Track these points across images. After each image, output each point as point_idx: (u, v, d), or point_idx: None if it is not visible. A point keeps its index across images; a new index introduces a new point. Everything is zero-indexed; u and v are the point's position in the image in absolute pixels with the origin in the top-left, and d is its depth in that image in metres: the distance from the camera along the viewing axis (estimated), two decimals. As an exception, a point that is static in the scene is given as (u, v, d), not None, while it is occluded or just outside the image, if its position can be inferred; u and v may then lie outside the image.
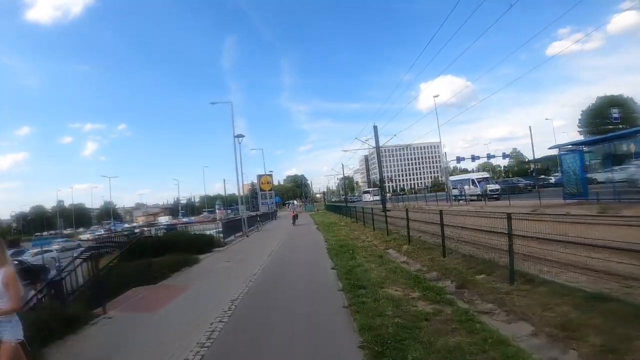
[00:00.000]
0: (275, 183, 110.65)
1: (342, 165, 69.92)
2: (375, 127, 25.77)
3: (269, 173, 50.72)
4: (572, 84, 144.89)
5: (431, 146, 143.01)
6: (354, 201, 72.97)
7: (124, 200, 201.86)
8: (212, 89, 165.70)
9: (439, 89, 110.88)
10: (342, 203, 53.37)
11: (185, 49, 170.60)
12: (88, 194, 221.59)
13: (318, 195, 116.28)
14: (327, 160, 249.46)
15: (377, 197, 45.70)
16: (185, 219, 58.16)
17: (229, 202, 72.81)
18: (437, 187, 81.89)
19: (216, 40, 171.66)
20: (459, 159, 49.31)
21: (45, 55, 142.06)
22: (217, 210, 64.23)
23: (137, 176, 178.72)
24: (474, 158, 46.96)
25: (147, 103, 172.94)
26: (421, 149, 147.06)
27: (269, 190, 47.94)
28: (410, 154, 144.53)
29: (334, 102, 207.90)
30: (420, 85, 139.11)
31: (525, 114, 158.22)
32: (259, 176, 49.01)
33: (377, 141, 26.53)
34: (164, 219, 62.83)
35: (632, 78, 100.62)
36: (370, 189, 72.87)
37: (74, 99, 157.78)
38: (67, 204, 77.39)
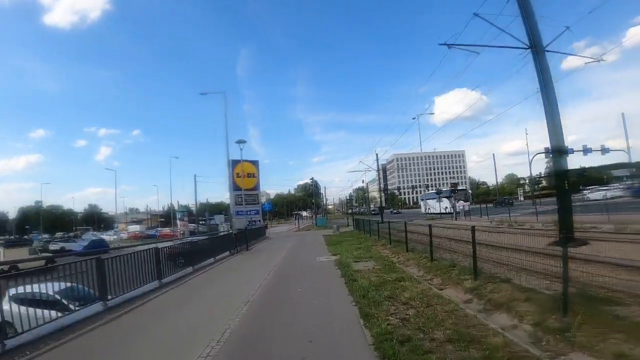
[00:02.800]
0: (286, 192, 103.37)
1: (364, 171, 61.85)
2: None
3: (253, 161, 32.33)
4: (588, 98, 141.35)
5: (454, 155, 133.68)
6: (394, 212, 65.93)
7: (134, 204, 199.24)
8: (227, 97, 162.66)
9: (453, 102, 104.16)
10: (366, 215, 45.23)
11: (200, 57, 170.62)
12: (101, 197, 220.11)
13: (330, 207, 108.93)
14: (340, 172, 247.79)
15: (449, 205, 35.94)
16: (152, 232, 49.84)
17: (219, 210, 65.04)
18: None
19: (232, 49, 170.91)
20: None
21: (62, 58, 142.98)
22: (178, 222, 46.33)
23: (149, 181, 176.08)
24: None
25: (161, 110, 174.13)
26: (443, 158, 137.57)
27: (251, 190, 30.91)
28: (432, 162, 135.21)
29: (349, 114, 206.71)
30: (435, 98, 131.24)
31: (541, 127, 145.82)
32: (233, 163, 27.96)
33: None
34: (133, 228, 54.22)
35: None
36: (442, 190, 45.46)
37: (88, 103, 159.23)
38: (81, 207, 71.32)
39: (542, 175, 51.13)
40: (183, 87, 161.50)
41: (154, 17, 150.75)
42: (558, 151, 8.28)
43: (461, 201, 34.26)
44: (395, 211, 76.78)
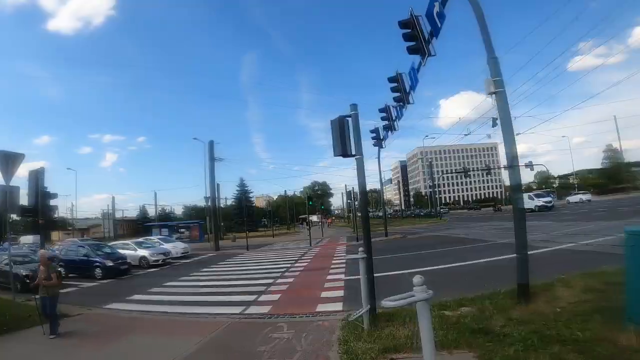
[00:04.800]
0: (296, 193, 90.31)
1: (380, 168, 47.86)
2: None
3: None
4: (593, 99, 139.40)
5: (486, 148, 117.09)
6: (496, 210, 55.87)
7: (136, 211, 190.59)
8: (230, 102, 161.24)
9: (459, 105, 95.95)
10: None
11: (205, 63, 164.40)
12: (105, 204, 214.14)
13: (337, 212, 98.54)
14: (345, 177, 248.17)
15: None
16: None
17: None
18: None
19: (236, 54, 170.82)
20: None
21: (66, 65, 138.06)
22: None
23: (152, 187, 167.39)
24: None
25: (165, 116, 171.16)
26: (474, 152, 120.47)
27: None
28: (462, 156, 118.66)
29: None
30: (440, 101, 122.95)
31: (547, 129, 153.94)
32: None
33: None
34: (26, 239, 37.62)
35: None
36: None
37: (93, 110, 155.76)
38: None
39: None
40: (187, 92, 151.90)
41: (157, 23, 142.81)
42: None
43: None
44: (496, 209, 61.07)
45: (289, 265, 14.70)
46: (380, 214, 62.55)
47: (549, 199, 37.59)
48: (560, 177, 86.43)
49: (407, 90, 12.60)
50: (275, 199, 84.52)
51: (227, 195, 79.92)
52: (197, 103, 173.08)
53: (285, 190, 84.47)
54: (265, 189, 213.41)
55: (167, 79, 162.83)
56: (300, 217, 67.54)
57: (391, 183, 62.56)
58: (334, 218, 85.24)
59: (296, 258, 17.14)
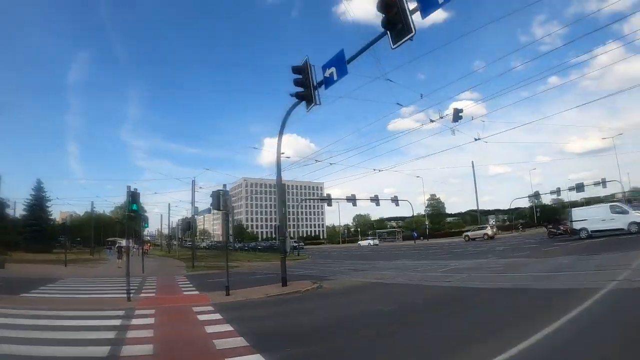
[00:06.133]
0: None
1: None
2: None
3: None
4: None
5: (312, 187, 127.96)
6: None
7: None
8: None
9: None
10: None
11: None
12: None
13: (147, 238, 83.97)
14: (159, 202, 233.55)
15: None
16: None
17: None
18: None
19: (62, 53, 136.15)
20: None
21: None
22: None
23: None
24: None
25: None
26: (301, 189, 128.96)
27: None
28: (289, 191, 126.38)
29: (175, 143, 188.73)
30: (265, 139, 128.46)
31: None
32: None
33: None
34: None
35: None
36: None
37: None
38: None
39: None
40: None
41: None
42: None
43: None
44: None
45: None
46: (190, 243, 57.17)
47: None
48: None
49: (315, 85, 11.44)
50: (81, 215, 68.78)
51: (17, 198, 60.41)
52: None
53: (92, 203, 71.92)
54: (73, 206, 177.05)
55: None
56: (108, 239, 57.13)
57: (209, 212, 54.53)
58: (150, 245, 75.39)
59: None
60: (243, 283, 13.79)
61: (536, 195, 71.21)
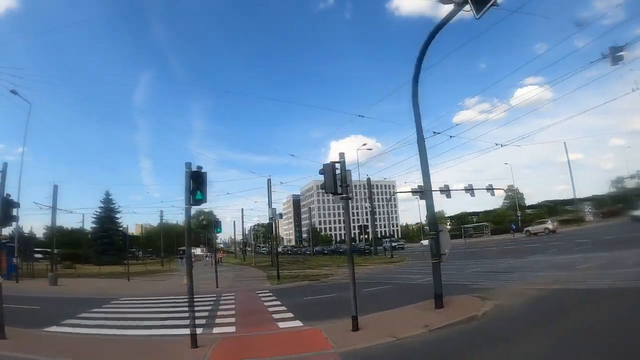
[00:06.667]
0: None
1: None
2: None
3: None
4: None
5: (385, 185, 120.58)
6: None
7: None
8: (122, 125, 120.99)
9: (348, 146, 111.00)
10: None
11: (85, 81, 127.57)
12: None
13: (221, 246, 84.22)
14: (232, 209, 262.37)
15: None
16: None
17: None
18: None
19: (129, 75, 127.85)
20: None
21: None
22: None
23: None
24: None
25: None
26: (376, 188, 79.25)
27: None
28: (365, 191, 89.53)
29: (241, 153, 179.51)
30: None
31: None
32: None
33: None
34: None
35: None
36: None
37: None
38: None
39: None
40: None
41: None
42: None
43: None
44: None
45: None
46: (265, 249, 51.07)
47: None
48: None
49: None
50: (155, 226, 63.86)
51: (86, 212, 58.57)
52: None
53: (161, 212, 60.30)
54: (146, 218, 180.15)
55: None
56: (180, 248, 51.80)
57: (282, 218, 61.06)
58: (223, 253, 72.33)
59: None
60: (360, 301, 7.22)
61: (618, 180, 60.02)
